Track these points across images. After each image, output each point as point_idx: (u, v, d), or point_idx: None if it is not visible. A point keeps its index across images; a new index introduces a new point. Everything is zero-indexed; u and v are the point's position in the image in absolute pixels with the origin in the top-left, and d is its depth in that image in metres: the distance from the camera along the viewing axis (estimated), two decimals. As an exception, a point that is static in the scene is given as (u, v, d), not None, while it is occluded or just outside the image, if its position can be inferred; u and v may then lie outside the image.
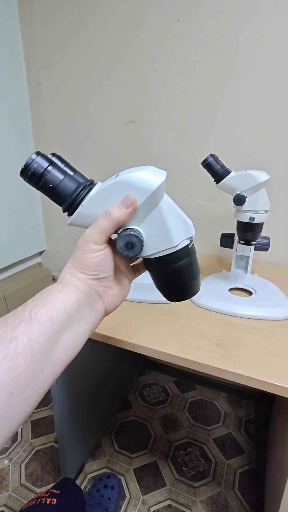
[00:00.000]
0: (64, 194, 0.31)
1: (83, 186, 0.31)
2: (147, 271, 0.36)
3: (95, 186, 0.32)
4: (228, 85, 0.86)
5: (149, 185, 0.29)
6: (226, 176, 0.66)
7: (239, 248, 0.77)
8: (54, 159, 0.34)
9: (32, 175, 0.30)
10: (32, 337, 0.25)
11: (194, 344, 0.56)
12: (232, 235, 0.78)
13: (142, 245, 0.30)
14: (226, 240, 0.79)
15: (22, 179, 0.31)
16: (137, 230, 0.31)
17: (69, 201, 0.31)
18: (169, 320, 0.64)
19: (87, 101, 1.04)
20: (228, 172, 0.67)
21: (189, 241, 0.33)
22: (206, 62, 0.86)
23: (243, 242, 0.72)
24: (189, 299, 0.55)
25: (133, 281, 0.37)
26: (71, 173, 0.33)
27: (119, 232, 0.31)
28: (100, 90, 1.01)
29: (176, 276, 0.33)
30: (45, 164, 0.30)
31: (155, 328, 0.61)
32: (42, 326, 0.26)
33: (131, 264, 0.37)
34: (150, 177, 0.29)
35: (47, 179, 0.30)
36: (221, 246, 0.80)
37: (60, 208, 0.33)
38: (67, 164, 0.35)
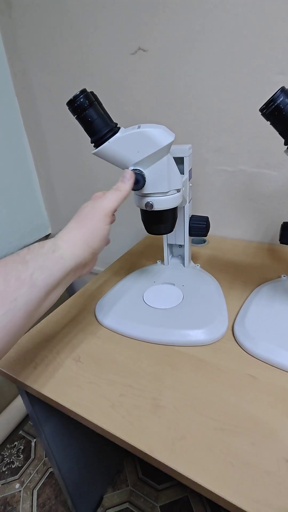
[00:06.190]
0: (97, 129, 0.39)
1: (111, 127, 0.40)
2: None
3: (119, 129, 0.40)
4: None
5: (162, 141, 0.38)
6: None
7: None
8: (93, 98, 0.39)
9: (77, 107, 0.38)
10: (29, 299, 0.30)
11: (254, 461, 0.31)
12: (301, 227, 0.49)
13: (144, 183, 0.41)
14: (291, 235, 0.50)
15: (68, 107, 0.39)
16: (143, 172, 0.41)
17: (99, 136, 0.39)
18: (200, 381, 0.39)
19: (76, 23, 0.73)
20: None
21: (176, 191, 0.44)
22: None
23: None
24: (235, 339, 0.45)
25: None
26: (103, 113, 0.40)
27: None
28: (94, 12, 0.69)
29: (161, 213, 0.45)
30: (89, 100, 0.38)
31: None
32: (40, 290, 0.31)
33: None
34: (163, 135, 0.39)
35: (87, 113, 0.38)
36: (281, 242, 0.52)
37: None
38: (100, 104, 0.40)
